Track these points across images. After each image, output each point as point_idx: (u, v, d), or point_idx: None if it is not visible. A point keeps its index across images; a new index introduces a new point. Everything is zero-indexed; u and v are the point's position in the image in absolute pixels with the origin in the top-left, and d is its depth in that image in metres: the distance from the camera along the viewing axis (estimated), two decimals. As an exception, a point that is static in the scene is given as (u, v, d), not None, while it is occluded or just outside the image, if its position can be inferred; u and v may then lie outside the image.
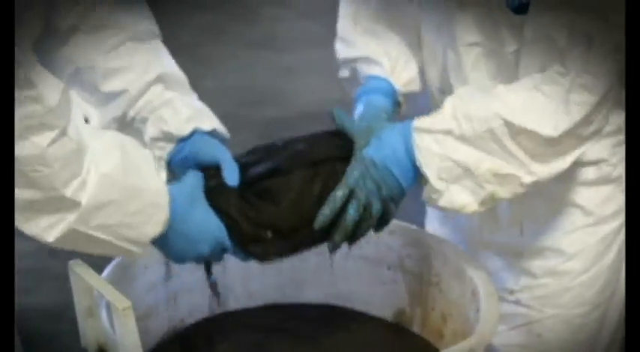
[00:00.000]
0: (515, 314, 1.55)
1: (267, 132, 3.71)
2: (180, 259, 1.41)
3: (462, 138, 1.38)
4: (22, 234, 1.29)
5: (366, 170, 1.41)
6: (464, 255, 1.57)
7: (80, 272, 1.33)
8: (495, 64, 1.47)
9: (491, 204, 1.43)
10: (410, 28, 1.59)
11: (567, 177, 1.50)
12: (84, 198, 1.25)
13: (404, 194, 1.43)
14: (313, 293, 1.71)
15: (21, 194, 1.21)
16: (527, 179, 1.39)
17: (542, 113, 1.36)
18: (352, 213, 1.41)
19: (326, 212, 1.41)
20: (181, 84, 1.50)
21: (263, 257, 1.45)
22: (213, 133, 1.47)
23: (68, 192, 1.23)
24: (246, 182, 1.42)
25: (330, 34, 1.68)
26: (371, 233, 1.48)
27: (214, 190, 1.42)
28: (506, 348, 1.59)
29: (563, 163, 1.41)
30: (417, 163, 1.39)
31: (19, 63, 1.18)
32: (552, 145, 1.37)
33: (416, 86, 1.61)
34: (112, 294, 1.28)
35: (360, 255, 1.67)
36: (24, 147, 1.19)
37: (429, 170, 1.39)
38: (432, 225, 1.76)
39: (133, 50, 1.46)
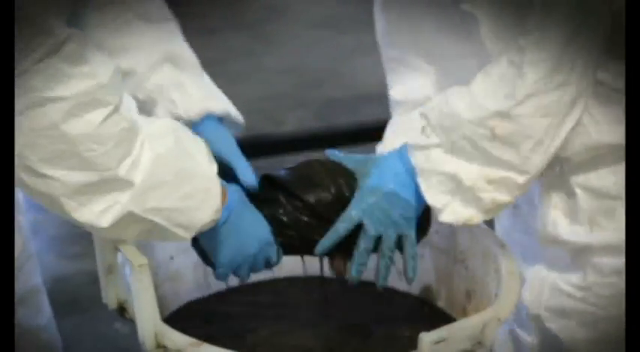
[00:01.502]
0: (584, 312, 1.50)
1: (325, 112, 3.73)
2: (227, 261, 1.39)
3: (448, 150, 1.35)
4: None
5: (372, 200, 1.39)
6: (490, 233, 1.56)
7: (102, 229, 1.35)
8: None
9: (498, 212, 1.41)
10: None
11: None
12: (137, 178, 1.21)
13: (418, 210, 1.41)
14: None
15: (74, 177, 1.18)
16: (522, 179, 1.35)
17: (499, 89, 1.32)
18: (363, 246, 1.41)
19: (326, 243, 1.41)
20: (193, 64, 1.46)
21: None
22: (226, 119, 1.44)
23: (122, 172, 1.20)
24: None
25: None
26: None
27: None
28: (574, 343, 1.54)
29: (551, 144, 1.35)
30: (418, 183, 1.38)
31: (70, 37, 1.15)
32: (520, 122, 1.31)
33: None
34: (129, 251, 1.30)
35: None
36: (76, 126, 1.16)
37: (427, 189, 1.37)
38: (502, 224, 1.72)
39: (140, 29, 1.41)
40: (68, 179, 1.18)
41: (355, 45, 4.06)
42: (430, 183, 1.38)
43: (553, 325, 1.52)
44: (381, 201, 1.39)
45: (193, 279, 1.64)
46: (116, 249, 1.36)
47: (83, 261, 2.82)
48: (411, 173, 1.39)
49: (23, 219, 1.53)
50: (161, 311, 1.34)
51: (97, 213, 1.21)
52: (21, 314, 1.56)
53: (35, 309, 1.62)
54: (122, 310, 1.41)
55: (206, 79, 1.47)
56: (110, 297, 1.41)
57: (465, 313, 1.60)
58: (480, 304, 1.53)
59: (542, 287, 1.54)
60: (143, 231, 1.28)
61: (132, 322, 1.36)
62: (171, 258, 1.61)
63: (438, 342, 1.26)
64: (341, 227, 1.40)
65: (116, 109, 1.19)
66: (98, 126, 1.17)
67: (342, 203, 1.41)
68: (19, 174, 1.18)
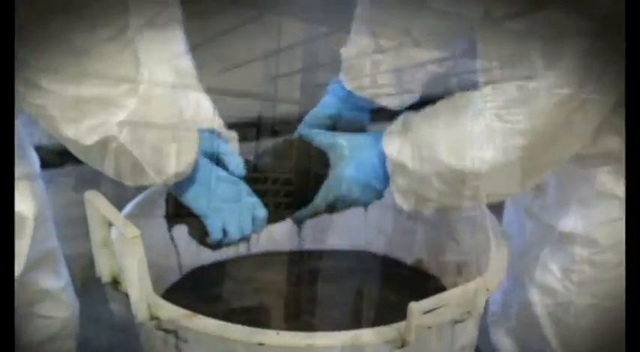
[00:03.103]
0: (560, 292, 1.53)
1: (321, 94, 3.72)
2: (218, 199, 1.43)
3: (417, 176, 1.41)
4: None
5: (347, 189, 1.47)
6: (480, 208, 1.57)
7: (95, 202, 1.36)
8: None
9: None
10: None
11: (612, 169, 1.45)
12: (130, 105, 1.24)
13: (381, 195, 1.50)
14: (335, 241, 1.73)
15: (72, 91, 1.20)
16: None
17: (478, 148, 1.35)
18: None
19: (305, 213, 1.50)
20: (192, 77, 1.52)
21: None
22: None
23: (116, 92, 1.23)
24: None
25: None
26: None
27: None
28: (547, 322, 1.58)
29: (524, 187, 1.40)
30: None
31: None
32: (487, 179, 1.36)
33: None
34: (122, 224, 1.31)
35: (380, 205, 1.68)
36: (86, 41, 1.18)
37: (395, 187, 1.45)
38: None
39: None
40: (64, 92, 1.20)
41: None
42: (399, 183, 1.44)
43: (536, 298, 1.54)
44: (355, 191, 1.47)
45: (187, 255, 1.65)
46: (109, 223, 1.37)
47: (78, 243, 2.81)
48: (384, 165, 1.45)
49: (38, 182, 1.54)
50: (156, 288, 1.35)
51: (84, 130, 1.23)
52: (39, 276, 1.58)
53: (53, 272, 1.63)
54: (116, 283, 1.42)
55: (201, 92, 1.54)
56: (104, 271, 1.41)
57: (456, 287, 1.61)
58: (471, 277, 1.54)
59: (532, 258, 1.56)
60: (119, 163, 1.29)
61: (127, 300, 1.37)
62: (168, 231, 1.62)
63: (427, 311, 1.27)
64: (319, 207, 1.49)
65: (123, 31, 1.21)
66: (102, 43, 1.19)
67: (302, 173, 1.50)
68: (18, 86, 1.21)
